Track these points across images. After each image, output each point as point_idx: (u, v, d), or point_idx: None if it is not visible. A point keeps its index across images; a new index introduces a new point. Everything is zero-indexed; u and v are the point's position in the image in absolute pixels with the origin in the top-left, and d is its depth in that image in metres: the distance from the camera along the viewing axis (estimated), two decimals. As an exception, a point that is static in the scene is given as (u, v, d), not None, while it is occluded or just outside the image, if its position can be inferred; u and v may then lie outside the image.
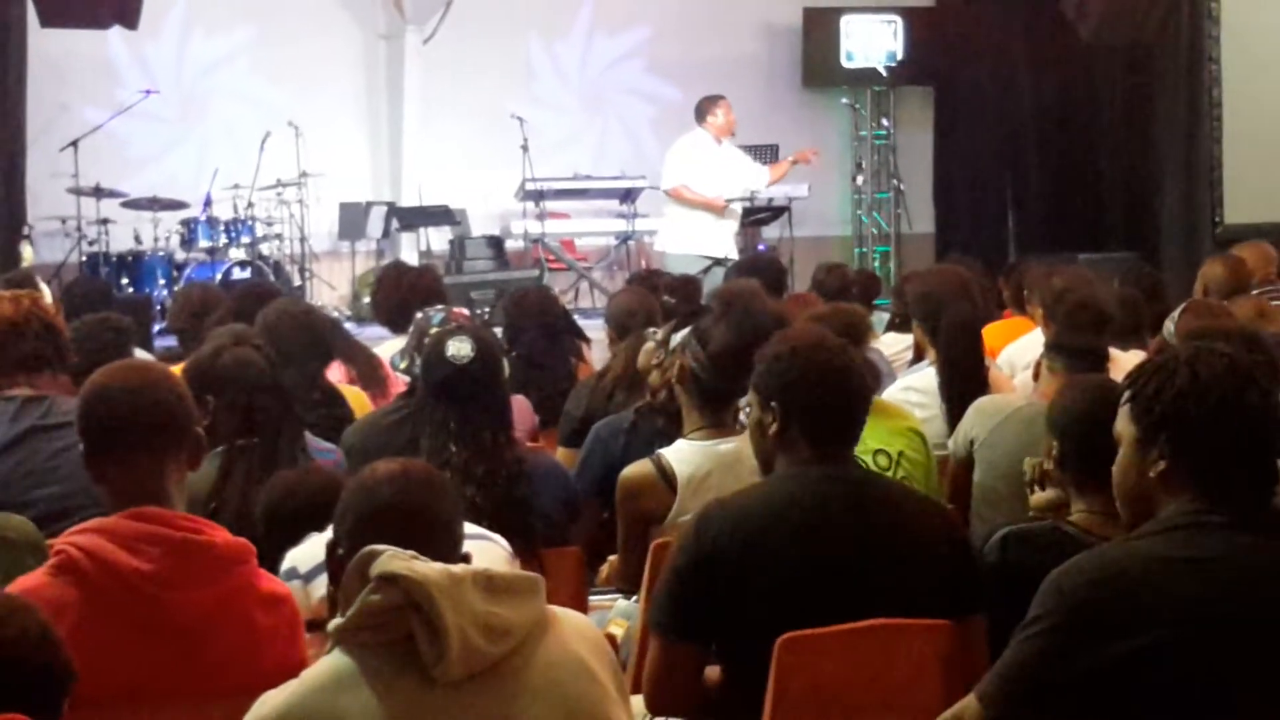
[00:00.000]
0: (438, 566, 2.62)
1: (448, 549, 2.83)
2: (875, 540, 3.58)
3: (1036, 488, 4.11)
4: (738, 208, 12.13)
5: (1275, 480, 3.06)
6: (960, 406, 5.81)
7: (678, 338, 5.08)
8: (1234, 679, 2.90)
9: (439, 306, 5.70)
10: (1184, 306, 6.42)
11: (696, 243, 11.70)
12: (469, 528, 3.54)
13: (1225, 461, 3.01)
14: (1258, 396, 3.02)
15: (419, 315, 5.51)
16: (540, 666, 2.67)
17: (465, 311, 5.91)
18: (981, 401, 5.47)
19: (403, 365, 5.53)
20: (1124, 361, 6.06)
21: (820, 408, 3.68)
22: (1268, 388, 3.05)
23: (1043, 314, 6.52)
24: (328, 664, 2.63)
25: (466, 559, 2.84)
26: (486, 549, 3.82)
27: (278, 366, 4.74)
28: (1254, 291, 8.20)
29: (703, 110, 11.96)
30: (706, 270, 11.12)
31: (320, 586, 3.51)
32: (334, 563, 2.88)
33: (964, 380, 5.87)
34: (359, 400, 6.12)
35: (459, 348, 4.60)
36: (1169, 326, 6.27)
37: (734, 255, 11.73)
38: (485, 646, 2.59)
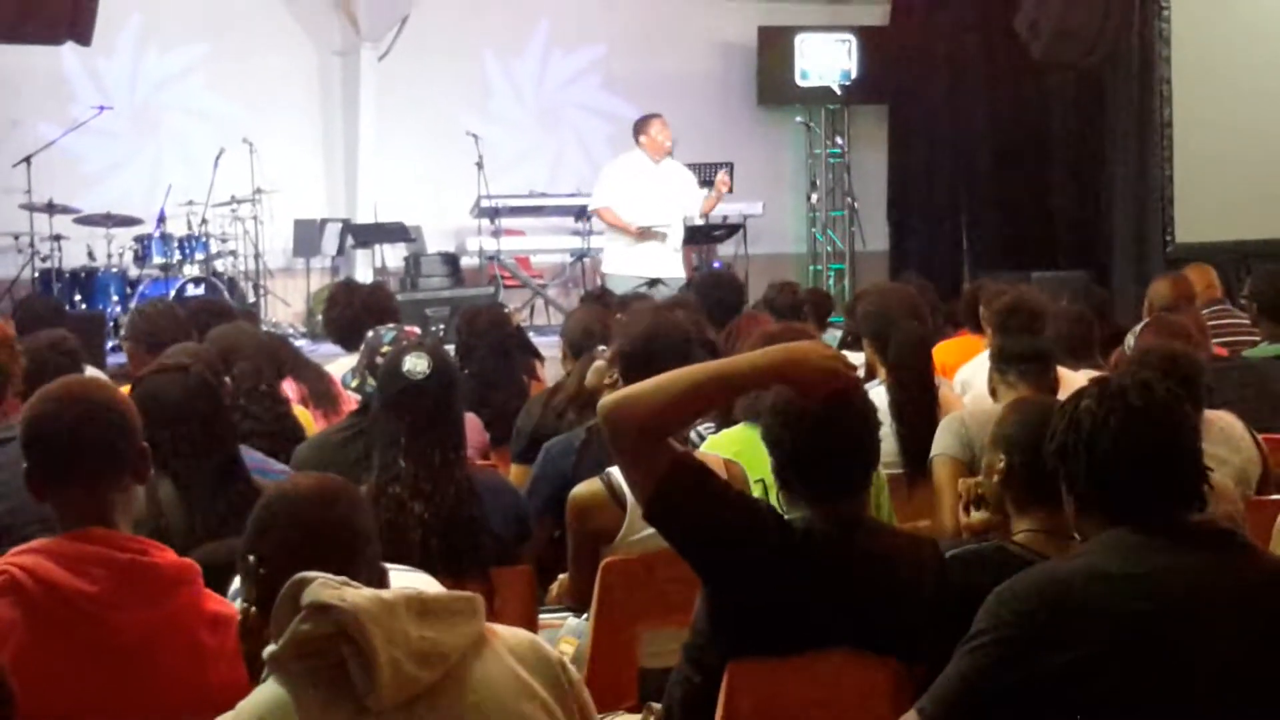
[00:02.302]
0: (368, 593, 2.60)
1: (365, 562, 2.85)
2: (862, 582, 3.57)
3: (972, 509, 4.12)
4: (673, 229, 11.86)
5: (1194, 495, 3.14)
6: (910, 425, 5.84)
7: (629, 356, 5.07)
8: (1169, 690, 2.95)
9: (390, 325, 5.70)
10: (1145, 322, 6.46)
11: (635, 264, 11.63)
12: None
13: (1137, 480, 3.10)
14: (1161, 414, 3.12)
15: (370, 334, 5.50)
16: (476, 687, 2.66)
17: (416, 330, 5.90)
18: (967, 413, 5.48)
19: (354, 384, 5.52)
20: (1072, 381, 6.10)
21: (817, 460, 3.64)
22: (1171, 405, 3.15)
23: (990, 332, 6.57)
24: (262, 694, 2.62)
25: (383, 574, 2.84)
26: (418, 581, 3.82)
27: (199, 389, 4.45)
28: (1202, 313, 8.28)
29: (637, 130, 11.90)
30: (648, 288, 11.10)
31: None
32: (252, 576, 2.88)
33: (913, 399, 5.89)
34: (306, 421, 6.10)
35: (416, 363, 4.59)
36: (1129, 341, 6.32)
37: (677, 275, 11.65)
38: (417, 673, 2.58)
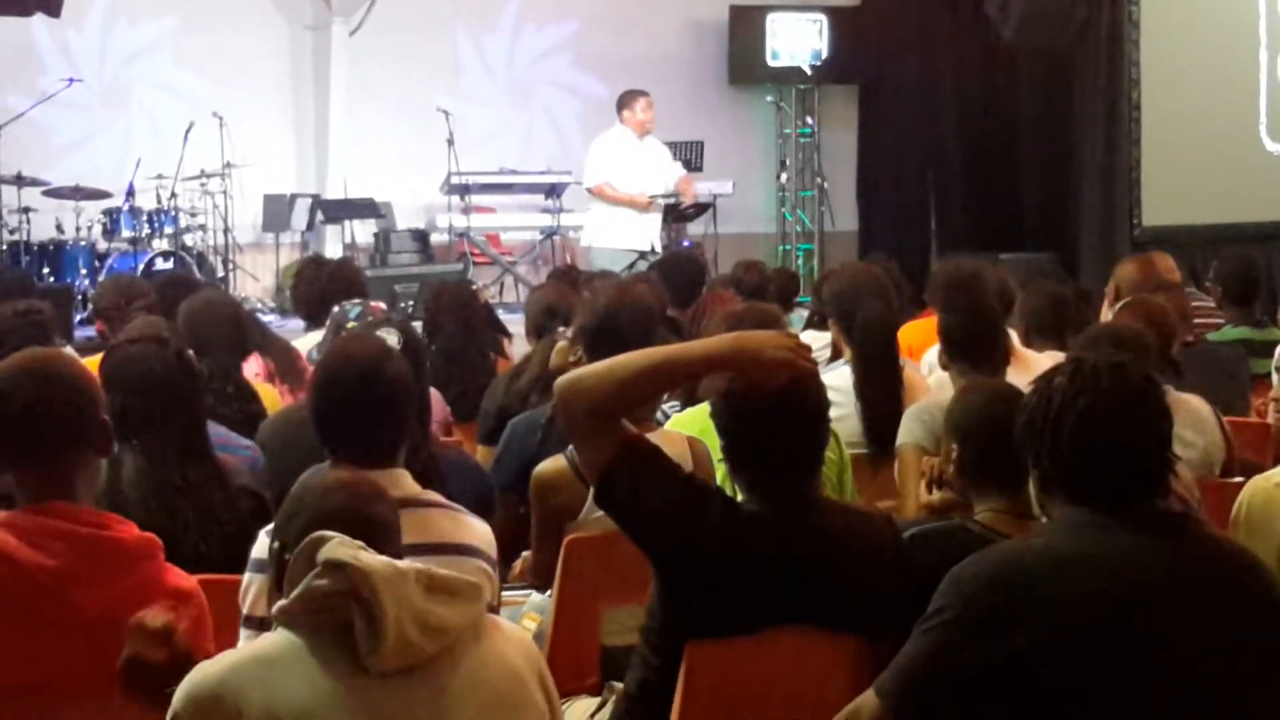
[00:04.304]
0: (382, 559, 2.68)
1: (387, 555, 2.86)
2: (815, 562, 3.57)
3: (934, 488, 4.14)
4: (661, 201, 12.19)
5: (1158, 481, 3.12)
6: (874, 405, 5.85)
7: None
8: (1126, 673, 2.96)
9: (356, 300, 5.70)
10: (1124, 302, 6.43)
11: (622, 236, 11.81)
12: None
13: (1100, 462, 3.08)
14: (1132, 398, 3.10)
15: (336, 309, 5.51)
16: (471, 668, 2.73)
17: (382, 305, 5.90)
18: (933, 401, 5.47)
19: (319, 359, 5.52)
20: (1034, 362, 6.11)
21: (765, 446, 3.63)
22: (1144, 390, 3.12)
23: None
24: (268, 640, 2.71)
25: None
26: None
27: (174, 363, 4.41)
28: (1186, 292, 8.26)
29: (622, 105, 12.06)
30: (632, 265, 11.21)
31: None
32: (279, 564, 2.90)
33: (878, 379, 5.90)
34: (270, 397, 6.10)
35: (385, 338, 4.60)
36: (1108, 316, 6.30)
37: (659, 247, 11.82)
38: (420, 641, 2.65)
